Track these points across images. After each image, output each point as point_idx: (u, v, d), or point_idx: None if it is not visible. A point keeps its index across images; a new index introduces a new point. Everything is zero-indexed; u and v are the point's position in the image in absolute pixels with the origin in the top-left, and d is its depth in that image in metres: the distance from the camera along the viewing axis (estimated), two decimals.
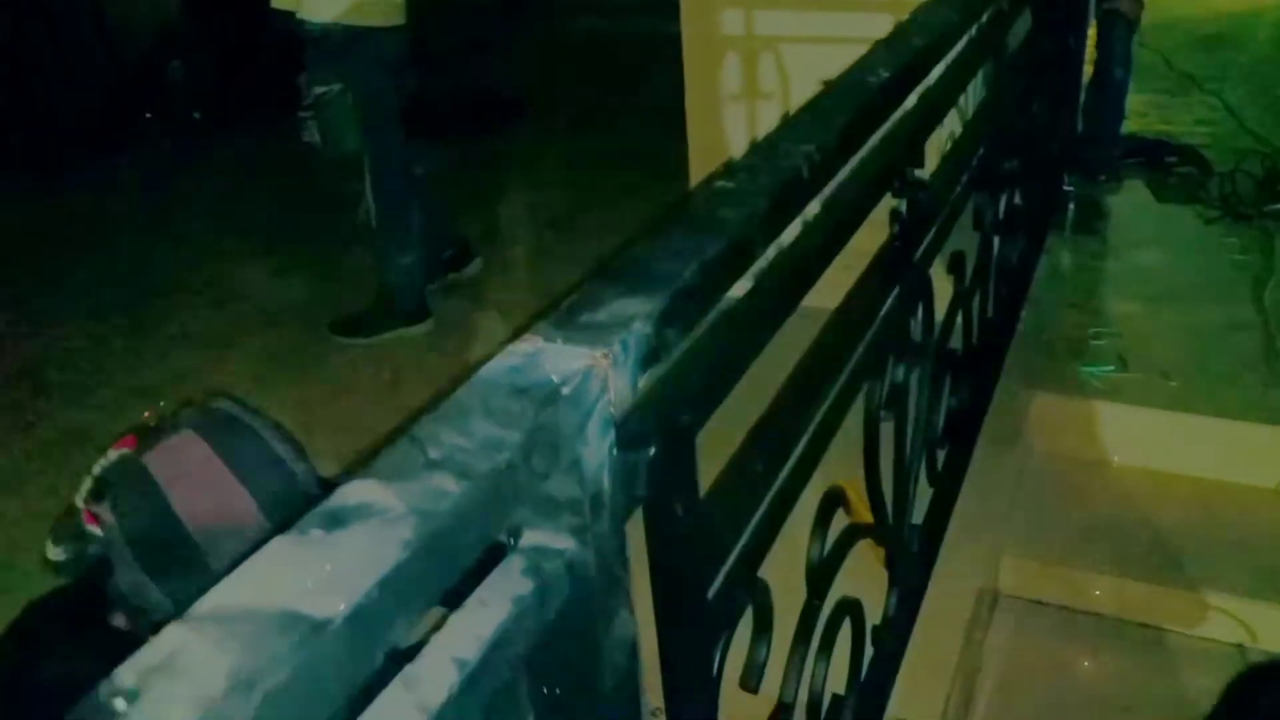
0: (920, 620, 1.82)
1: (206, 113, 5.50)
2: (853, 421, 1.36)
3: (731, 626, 0.89)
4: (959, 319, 1.88)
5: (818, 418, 1.08)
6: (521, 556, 0.58)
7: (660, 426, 0.70)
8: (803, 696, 1.15)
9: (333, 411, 3.11)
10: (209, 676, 0.37)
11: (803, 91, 1.08)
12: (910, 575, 1.70)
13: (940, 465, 1.90)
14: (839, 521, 1.21)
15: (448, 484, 0.47)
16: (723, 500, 0.86)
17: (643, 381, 0.62)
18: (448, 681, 0.50)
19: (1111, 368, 2.70)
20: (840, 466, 1.27)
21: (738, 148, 3.09)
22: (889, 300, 1.34)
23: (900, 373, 1.44)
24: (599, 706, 0.65)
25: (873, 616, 1.57)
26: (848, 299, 1.20)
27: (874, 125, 1.06)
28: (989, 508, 2.31)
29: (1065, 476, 2.62)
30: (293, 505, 0.98)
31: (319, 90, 3.12)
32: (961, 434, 2.09)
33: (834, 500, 1.16)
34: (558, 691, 0.66)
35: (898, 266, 1.35)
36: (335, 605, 0.40)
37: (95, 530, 0.97)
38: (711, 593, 0.87)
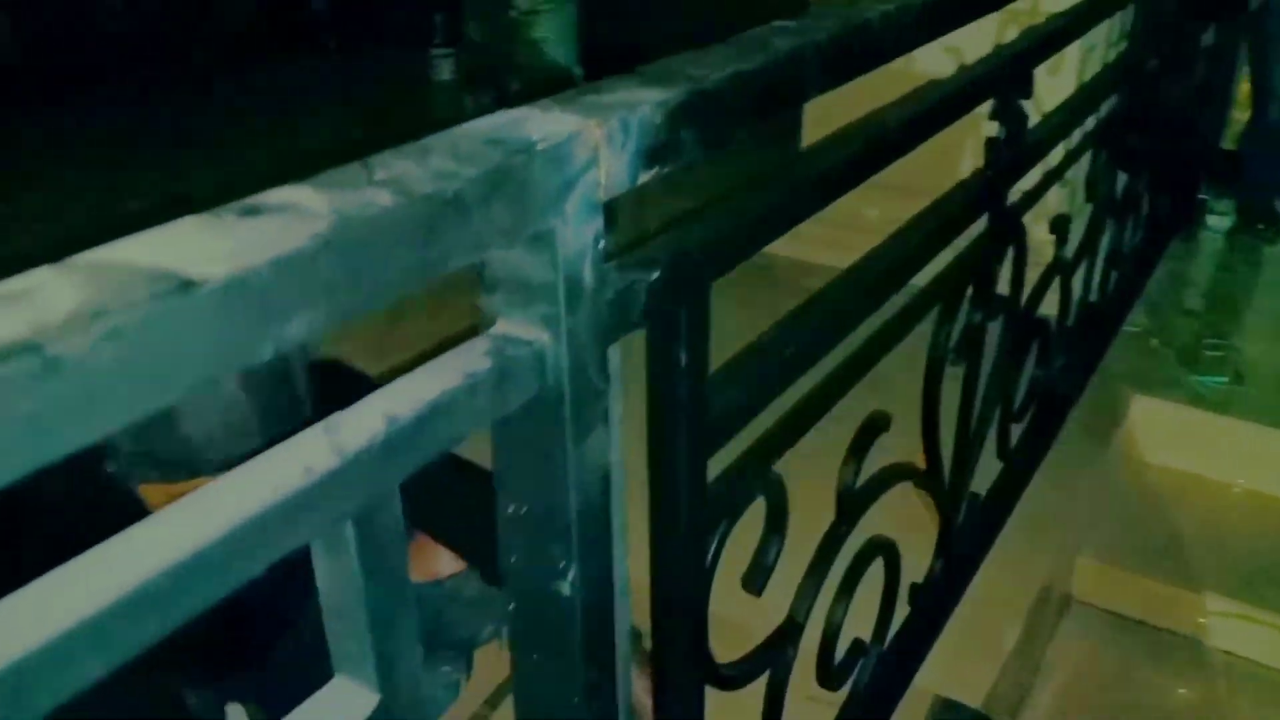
0: (973, 599, 1.72)
1: (342, 43, 5.64)
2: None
3: (733, 515, 0.83)
4: (1056, 289, 1.77)
5: (873, 326, 1.01)
6: (487, 339, 0.54)
7: (669, 250, 0.64)
8: (817, 623, 1.08)
9: None
10: (53, 305, 0.33)
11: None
12: (963, 544, 1.60)
13: (1015, 442, 1.79)
14: (883, 453, 1.14)
15: (381, 197, 0.42)
16: (742, 373, 0.80)
17: (645, 178, 0.56)
18: (371, 431, 0.46)
19: (1225, 379, 2.53)
20: (903, 409, 1.20)
21: None
22: (975, 232, 1.26)
23: (977, 318, 1.35)
24: (566, 533, 0.60)
25: (914, 574, 1.49)
26: (928, 212, 1.12)
27: (971, 11, 0.97)
28: (1068, 503, 2.19)
29: (1160, 485, 2.46)
30: (275, 388, 0.95)
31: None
32: (1044, 416, 1.98)
33: (876, 426, 1.08)
34: (524, 510, 0.61)
35: (988, 199, 1.26)
36: (214, 270, 0.36)
37: None
38: (716, 475, 0.81)
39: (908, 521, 1.55)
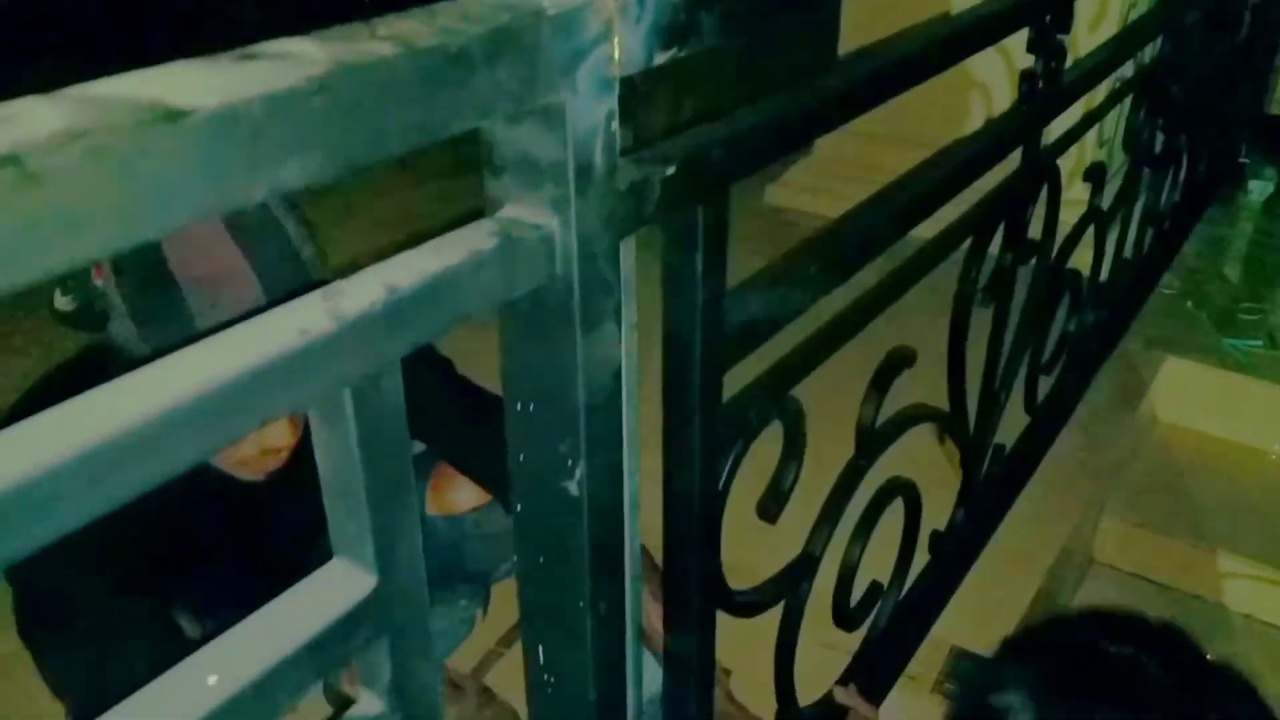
0: (993, 554, 1.70)
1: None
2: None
3: (748, 437, 0.82)
4: (1090, 240, 1.73)
5: (901, 255, 0.99)
6: (493, 221, 0.52)
7: (687, 147, 0.63)
8: (833, 564, 1.07)
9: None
10: (37, 126, 0.32)
11: None
12: (986, 496, 1.59)
13: (1042, 396, 1.76)
14: (907, 390, 1.11)
15: (382, 49, 0.41)
16: (764, 288, 0.79)
17: (661, 59, 0.55)
18: (370, 299, 0.44)
19: (1259, 343, 2.48)
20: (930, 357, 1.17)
21: None
22: (1009, 169, 1.23)
23: (1008, 260, 1.32)
24: (574, 430, 0.59)
25: (935, 523, 1.47)
26: (960, 144, 1.09)
27: None
28: (1094, 461, 2.15)
29: (1189, 449, 2.42)
30: (294, 283, 0.94)
31: None
32: (1073, 372, 1.95)
33: (899, 361, 1.06)
34: (531, 407, 0.60)
35: (1021, 135, 1.23)
36: (204, 100, 0.35)
37: (98, 283, 0.95)
38: (731, 395, 0.79)
39: (931, 469, 1.54)
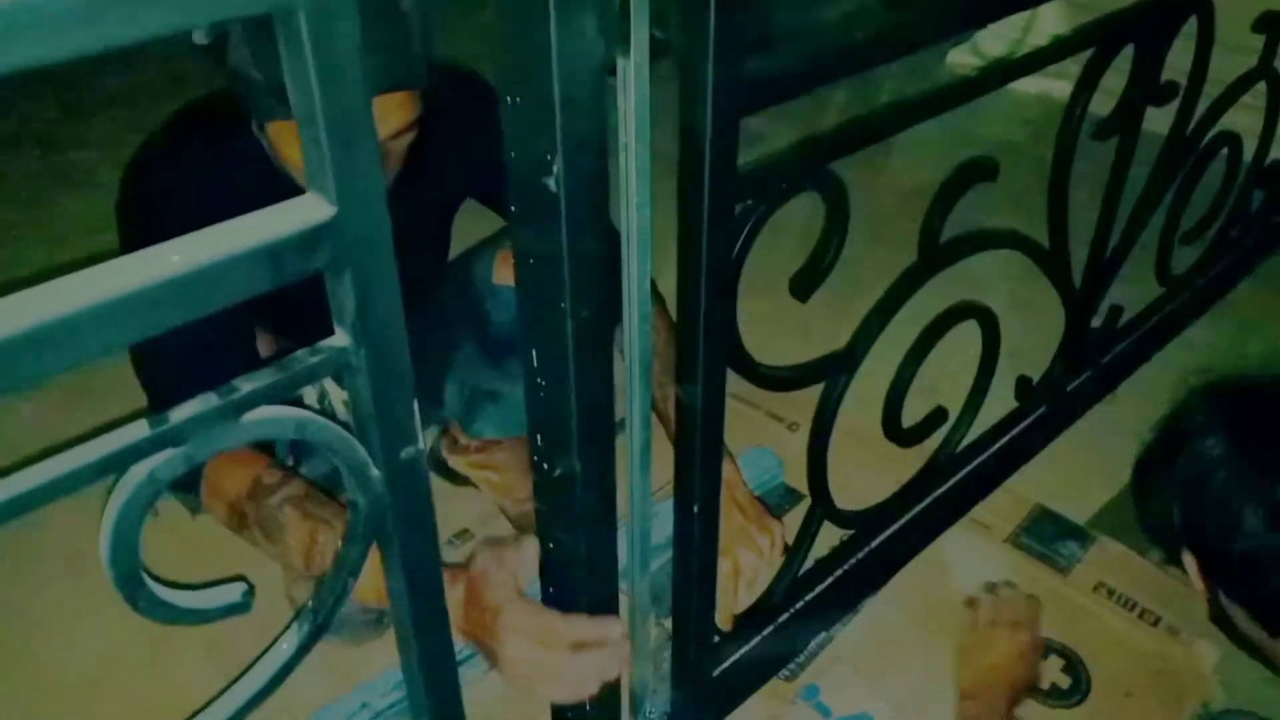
0: (1099, 421, 1.65)
1: None
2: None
3: (771, 202, 0.83)
4: (1259, 107, 1.60)
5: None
6: None
7: None
8: (885, 363, 1.07)
9: None
10: None
11: None
12: (1092, 354, 1.53)
13: (1177, 270, 1.66)
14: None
15: None
16: (801, 20, 0.79)
17: None
18: None
19: None
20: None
21: None
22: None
23: (1136, 94, 1.25)
24: (551, 125, 0.62)
25: (1029, 368, 1.44)
26: None
27: None
28: (1231, 358, 2.02)
29: None
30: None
31: None
32: (1223, 253, 1.82)
33: (977, 171, 1.03)
34: (517, 99, 0.64)
35: None
36: None
37: None
38: (753, 165, 0.80)
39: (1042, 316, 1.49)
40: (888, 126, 0.92)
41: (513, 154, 0.66)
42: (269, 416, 0.58)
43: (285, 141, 0.99)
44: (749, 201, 0.83)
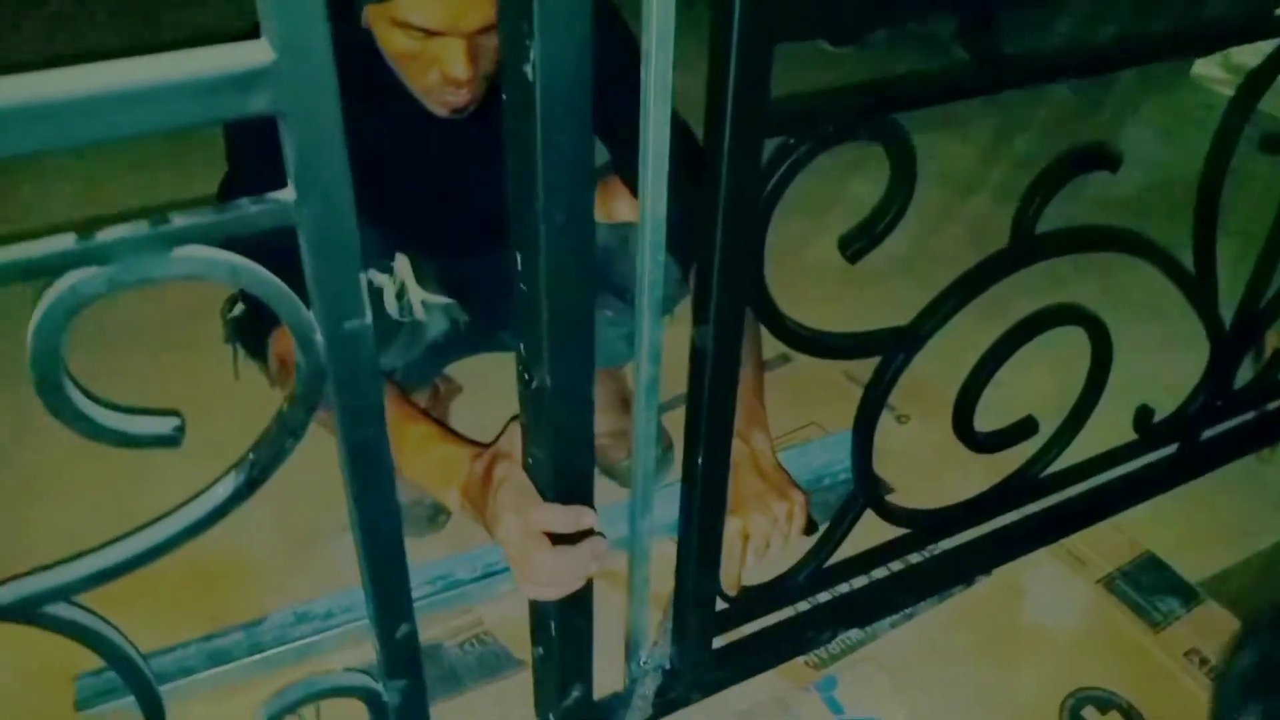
0: (1236, 476, 1.47)
1: None
2: None
3: (815, 144, 0.77)
4: None
5: None
6: None
7: None
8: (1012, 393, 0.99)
9: None
10: None
11: None
12: (1238, 398, 1.36)
13: None
14: None
15: None
16: None
17: None
18: None
19: None
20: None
21: None
22: None
23: None
24: (529, 7, 0.60)
25: (1158, 401, 1.30)
26: None
27: None
28: None
29: None
30: None
31: None
32: None
33: (1090, 156, 0.93)
34: None
35: None
36: None
37: None
38: (795, 97, 0.75)
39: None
40: (979, 82, 0.83)
41: (501, 33, 0.64)
42: (201, 256, 0.60)
43: (379, 30, 1.00)
44: (790, 140, 0.78)
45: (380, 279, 1.22)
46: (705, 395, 0.86)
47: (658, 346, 0.84)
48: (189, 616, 1.23)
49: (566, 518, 0.84)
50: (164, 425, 0.65)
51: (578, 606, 0.91)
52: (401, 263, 1.20)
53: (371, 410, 0.70)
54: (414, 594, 1.26)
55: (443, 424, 1.02)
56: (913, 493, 1.35)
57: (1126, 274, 1.47)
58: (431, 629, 1.28)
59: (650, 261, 0.79)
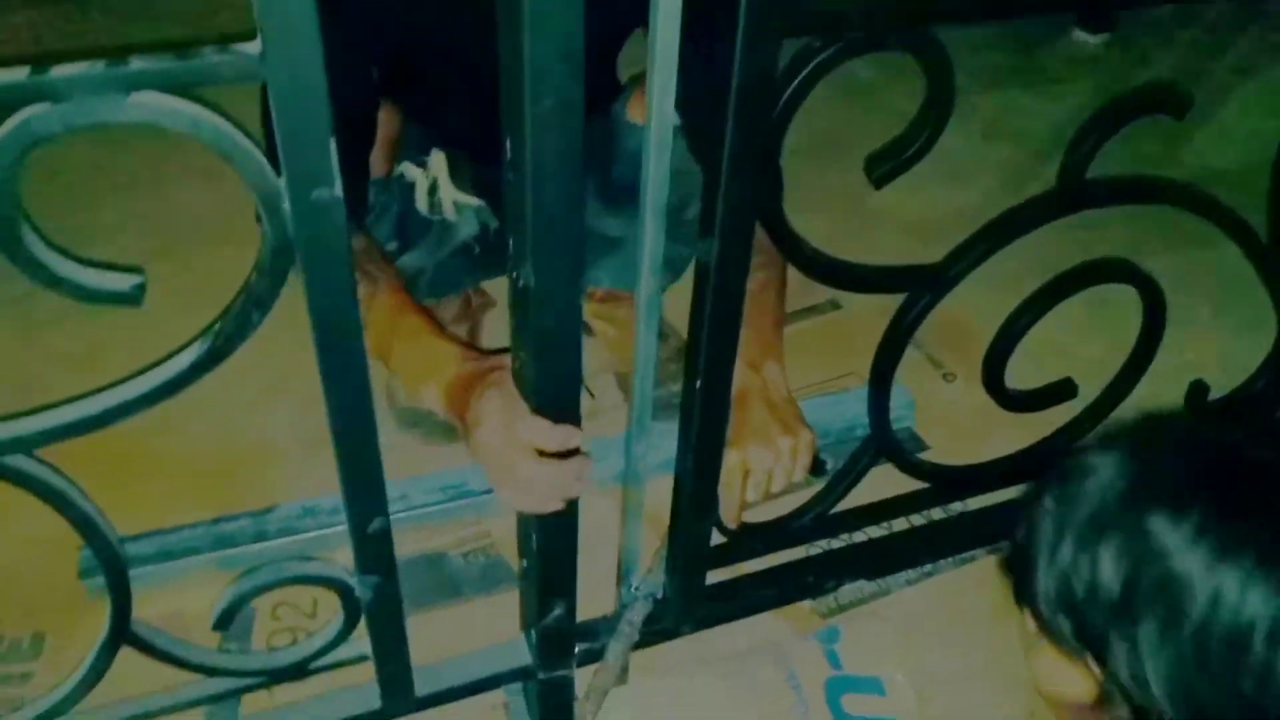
0: None
1: None
2: None
3: (838, 49, 0.71)
4: None
5: None
6: None
7: None
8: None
9: None
10: None
11: None
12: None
13: None
14: None
15: None
16: None
17: None
18: None
19: None
20: None
21: None
22: None
23: None
24: None
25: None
26: None
27: None
28: None
29: None
30: None
31: None
32: None
33: (1153, 98, 0.85)
34: None
35: None
36: None
37: None
38: None
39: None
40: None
41: None
42: (159, 103, 0.58)
43: None
44: (816, 43, 0.72)
45: (414, 173, 1.20)
46: (707, 316, 0.82)
47: (658, 260, 0.80)
48: (206, 499, 1.24)
49: (554, 434, 0.80)
50: (123, 281, 0.63)
51: (561, 523, 0.88)
52: (436, 158, 1.18)
53: (341, 287, 0.68)
54: (423, 501, 1.27)
55: (437, 321, 0.99)
56: (951, 452, 1.29)
57: (1199, 251, 1.39)
58: (439, 538, 1.27)
59: (656, 161, 0.75)
